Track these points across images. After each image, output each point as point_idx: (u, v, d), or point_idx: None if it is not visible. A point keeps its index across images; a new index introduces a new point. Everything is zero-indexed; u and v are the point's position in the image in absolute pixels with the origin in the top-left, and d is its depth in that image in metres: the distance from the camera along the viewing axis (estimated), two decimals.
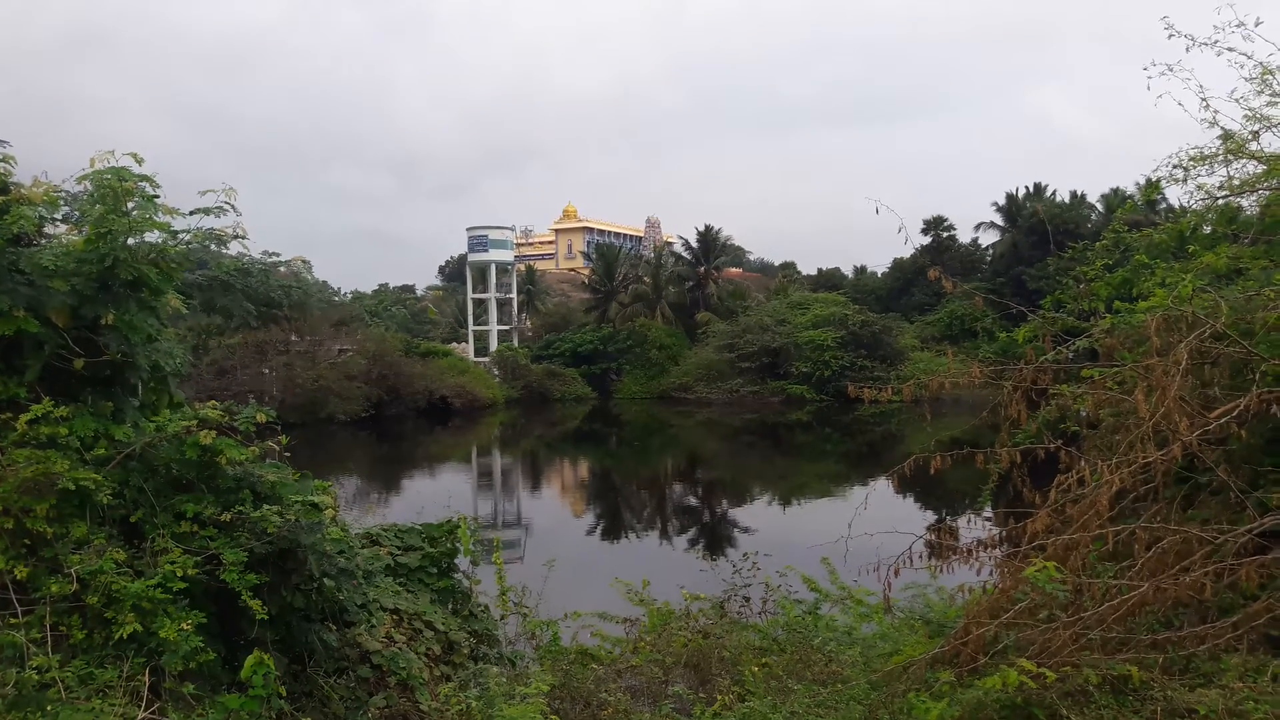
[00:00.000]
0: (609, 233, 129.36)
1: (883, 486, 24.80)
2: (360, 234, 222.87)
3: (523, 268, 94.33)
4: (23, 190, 6.55)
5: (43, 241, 6.71)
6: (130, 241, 6.35)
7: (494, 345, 79.97)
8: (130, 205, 6.35)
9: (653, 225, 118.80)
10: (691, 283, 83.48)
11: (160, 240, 6.65)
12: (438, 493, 31.25)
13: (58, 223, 6.88)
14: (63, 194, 6.85)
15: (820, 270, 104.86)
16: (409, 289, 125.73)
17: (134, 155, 6.51)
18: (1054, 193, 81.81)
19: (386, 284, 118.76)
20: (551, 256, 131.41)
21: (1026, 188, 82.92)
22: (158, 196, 6.52)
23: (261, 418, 6.99)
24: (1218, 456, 6.38)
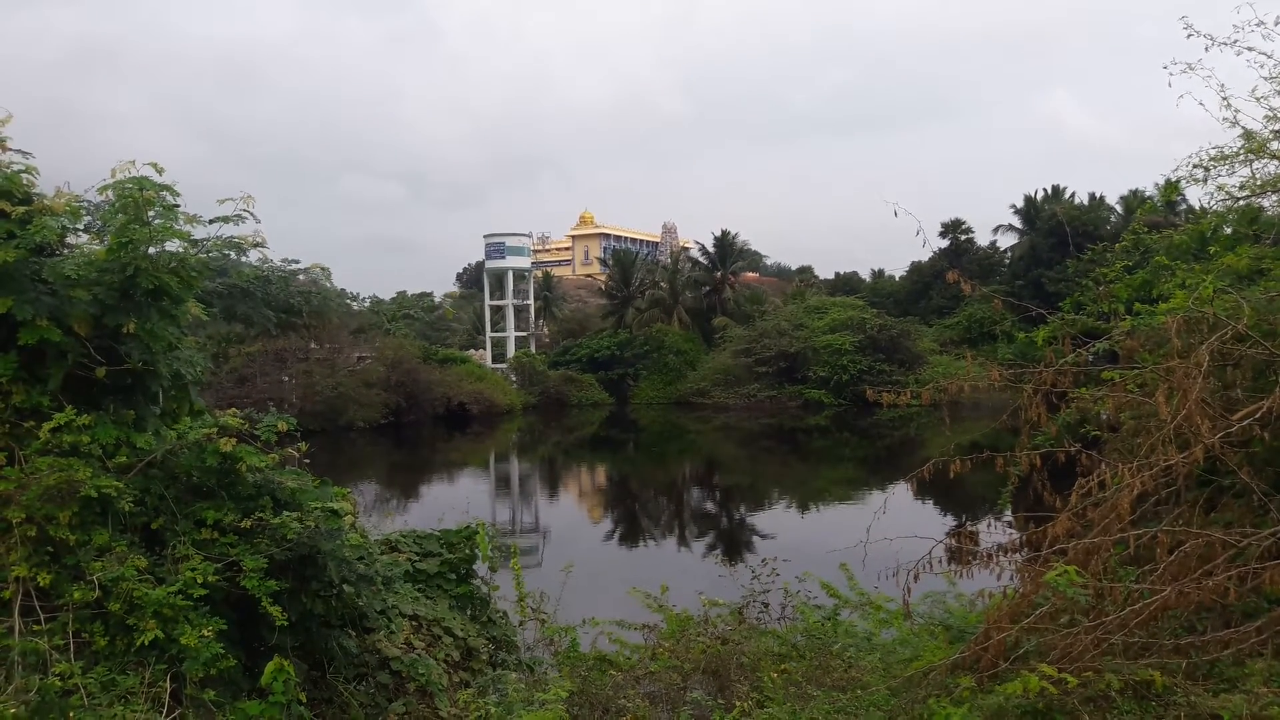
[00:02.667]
0: (625, 239, 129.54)
1: (902, 491, 24.65)
2: (374, 243, 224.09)
3: (540, 274, 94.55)
4: (45, 201, 6.61)
5: (65, 251, 6.76)
6: (151, 251, 6.39)
7: (511, 351, 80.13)
8: (151, 215, 6.40)
9: (669, 231, 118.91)
10: (708, 288, 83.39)
11: (181, 249, 6.70)
12: (456, 499, 31.32)
13: (80, 232, 6.94)
14: (84, 204, 6.91)
15: (838, 274, 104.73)
16: (427, 296, 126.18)
17: (154, 165, 6.57)
18: (1072, 195, 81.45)
19: (404, 291, 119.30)
20: (568, 263, 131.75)
21: (1045, 190, 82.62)
22: (178, 206, 6.57)
23: (283, 426, 7.03)
24: (1240, 459, 6.32)
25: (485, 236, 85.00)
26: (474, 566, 9.77)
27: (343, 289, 60.58)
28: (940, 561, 6.51)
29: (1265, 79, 8.98)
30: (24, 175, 6.66)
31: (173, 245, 6.62)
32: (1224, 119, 9.00)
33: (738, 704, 6.74)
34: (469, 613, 9.45)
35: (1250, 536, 5.68)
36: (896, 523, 6.80)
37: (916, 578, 6.35)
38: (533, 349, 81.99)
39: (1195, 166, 9.54)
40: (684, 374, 75.49)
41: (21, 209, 6.35)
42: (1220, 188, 9.58)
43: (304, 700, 5.98)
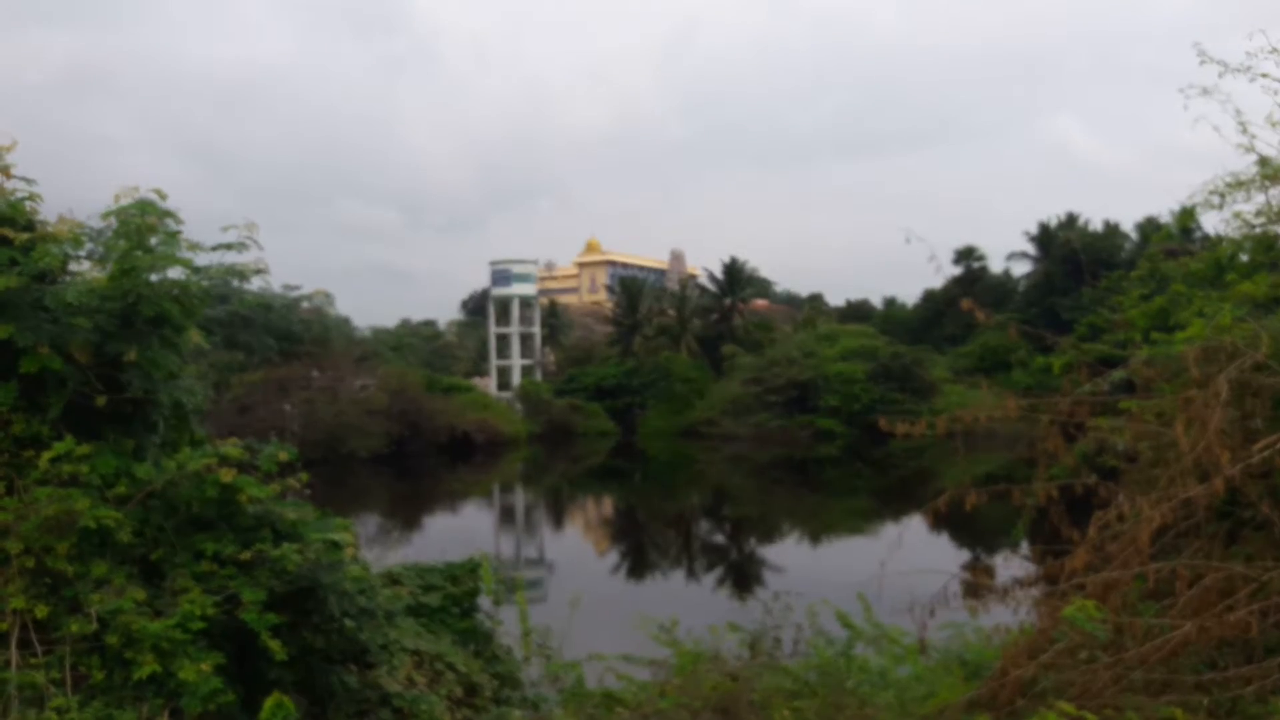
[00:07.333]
0: (632, 266, 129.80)
1: (917, 523, 24.46)
2: (373, 269, 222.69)
3: (545, 302, 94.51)
4: (49, 228, 6.58)
5: (67, 278, 6.73)
6: (153, 278, 6.36)
7: (516, 380, 79.99)
8: (153, 241, 6.37)
9: (677, 258, 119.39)
10: (716, 315, 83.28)
11: (183, 276, 6.65)
12: (460, 530, 31.20)
13: (82, 259, 6.91)
14: (87, 231, 6.89)
15: (848, 302, 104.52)
16: (430, 323, 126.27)
17: (158, 191, 6.55)
18: (1086, 222, 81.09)
19: (408, 319, 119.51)
20: (574, 290, 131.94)
21: (1059, 217, 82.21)
22: (180, 232, 6.54)
23: (284, 456, 6.95)
24: (1261, 491, 6.20)
25: (491, 263, 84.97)
26: (477, 600, 9.66)
27: (347, 317, 60.74)
28: (956, 595, 6.39)
29: None
30: (27, 202, 6.64)
31: (175, 272, 6.58)
32: (1240, 145, 8.92)
33: None
34: (472, 648, 9.32)
35: (1272, 570, 5.56)
36: (912, 556, 6.68)
37: (933, 612, 6.24)
38: (538, 377, 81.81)
39: (1211, 193, 9.44)
40: (692, 403, 75.07)
41: (25, 236, 6.32)
42: (1236, 215, 9.48)
43: None
